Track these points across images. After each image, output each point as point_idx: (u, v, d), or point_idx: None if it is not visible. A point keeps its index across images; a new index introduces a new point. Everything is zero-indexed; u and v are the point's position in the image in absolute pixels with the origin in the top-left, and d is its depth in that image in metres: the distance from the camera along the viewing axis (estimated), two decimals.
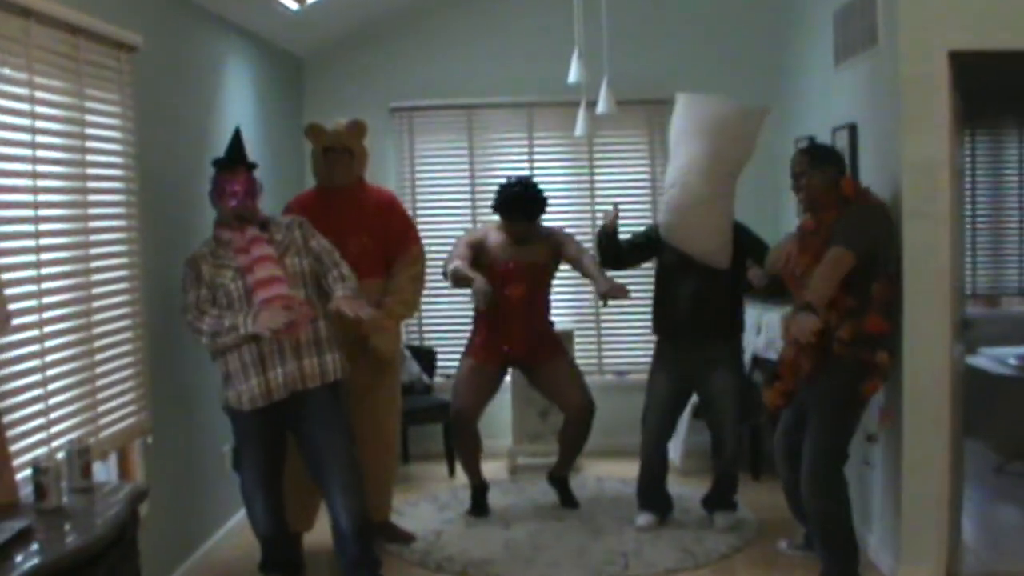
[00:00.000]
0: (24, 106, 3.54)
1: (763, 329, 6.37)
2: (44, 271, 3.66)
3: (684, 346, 5.44)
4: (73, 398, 3.86)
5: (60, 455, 3.48)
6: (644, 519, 5.56)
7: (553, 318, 6.02)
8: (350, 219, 5.10)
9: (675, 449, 6.48)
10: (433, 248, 7.02)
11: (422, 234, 7.06)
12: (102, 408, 4.06)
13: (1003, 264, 7.96)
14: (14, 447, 3.40)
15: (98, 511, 3.24)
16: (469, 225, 7.14)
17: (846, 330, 4.36)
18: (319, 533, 5.16)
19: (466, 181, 7.21)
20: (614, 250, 5.50)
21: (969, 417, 4.78)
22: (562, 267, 5.94)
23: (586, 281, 6.69)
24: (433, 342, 7.20)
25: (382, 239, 5.18)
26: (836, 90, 5.54)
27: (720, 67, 6.97)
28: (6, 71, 3.45)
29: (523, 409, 6.64)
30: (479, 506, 5.87)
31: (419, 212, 7.19)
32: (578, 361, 6.52)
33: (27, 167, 3.57)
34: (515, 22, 7.06)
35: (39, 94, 3.63)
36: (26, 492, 3.27)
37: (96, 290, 4.06)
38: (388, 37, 7.11)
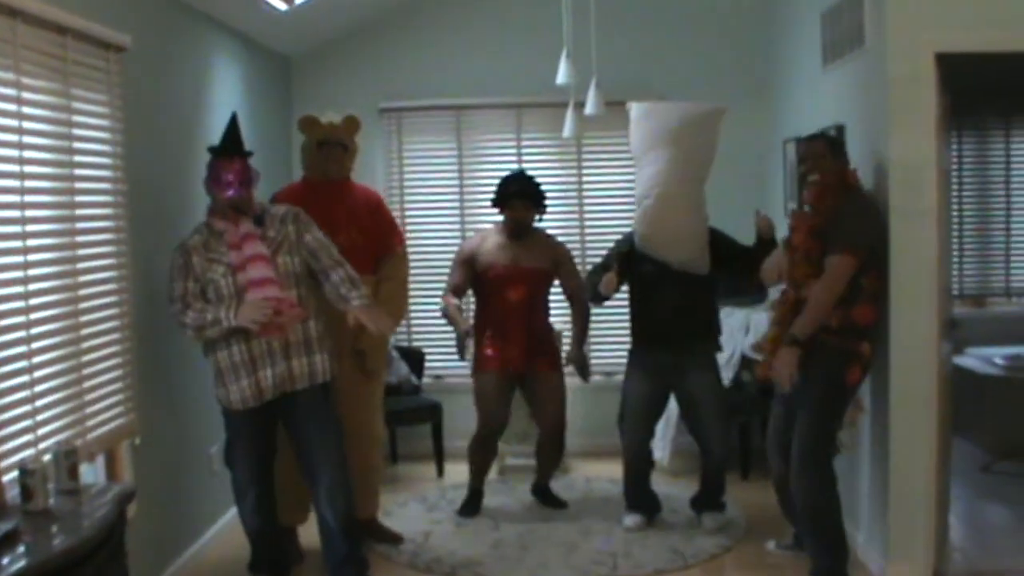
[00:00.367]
0: (12, 106, 3.52)
1: (752, 329, 6.39)
2: (31, 272, 3.65)
3: (662, 352, 5.44)
4: (60, 399, 3.84)
5: (47, 457, 3.47)
6: (632, 519, 5.57)
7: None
8: (340, 214, 5.08)
9: (662, 449, 6.49)
10: (421, 249, 7.08)
11: (410, 234, 7.15)
12: (89, 410, 4.04)
13: (990, 265, 7.98)
14: (1, 448, 3.39)
15: (85, 513, 3.23)
16: (457, 226, 7.15)
17: (834, 319, 4.39)
18: (311, 534, 5.15)
19: (454, 182, 7.21)
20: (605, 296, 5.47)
21: (956, 416, 4.80)
22: None
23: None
24: (422, 343, 7.19)
25: (372, 236, 5.17)
26: (824, 90, 5.56)
27: (708, 68, 6.99)
28: None
29: (513, 409, 6.63)
30: (471, 507, 5.88)
31: (407, 212, 7.19)
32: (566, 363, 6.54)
33: (15, 167, 3.55)
34: (504, 23, 7.06)
35: (26, 94, 3.61)
36: (13, 494, 3.26)
37: (84, 291, 4.04)
38: (377, 38, 7.11)
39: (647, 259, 5.38)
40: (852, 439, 4.89)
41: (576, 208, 7.21)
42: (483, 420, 5.79)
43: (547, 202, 5.91)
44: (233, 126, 4.56)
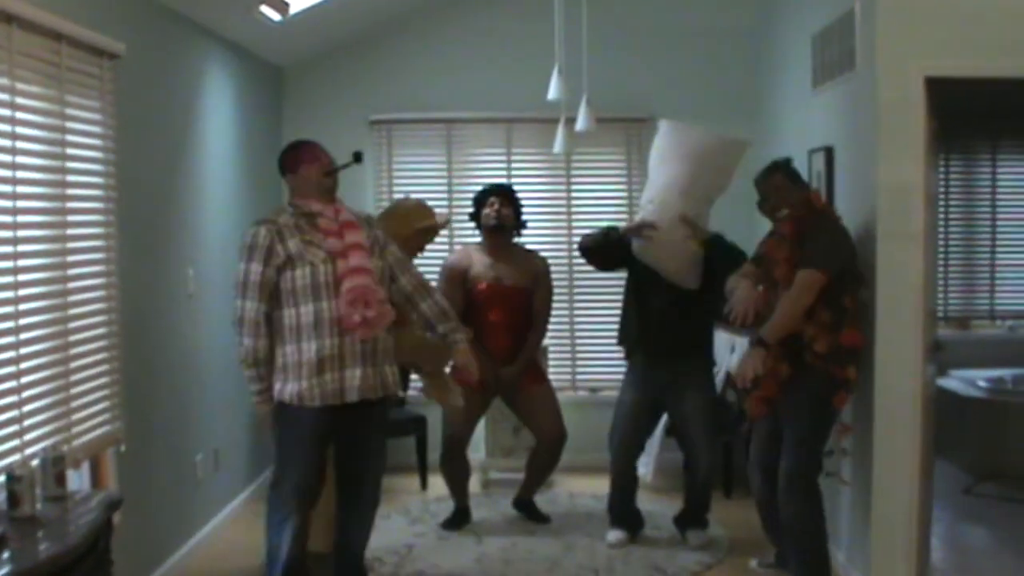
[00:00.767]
0: (5, 112, 3.53)
1: (737, 347, 6.41)
2: (21, 277, 3.64)
3: (654, 364, 5.45)
4: (47, 406, 3.83)
5: (34, 462, 3.46)
6: (615, 535, 5.58)
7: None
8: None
9: (646, 466, 6.49)
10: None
11: None
12: (76, 416, 4.04)
13: (974, 287, 8.03)
14: None
15: (72, 519, 3.23)
16: (445, 240, 7.14)
17: (821, 343, 4.43)
18: None
19: (443, 195, 7.22)
20: (616, 252, 5.44)
21: (939, 438, 4.83)
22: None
23: (562, 298, 6.74)
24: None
25: None
26: (813, 112, 5.60)
27: (699, 87, 7.03)
28: None
29: (497, 424, 6.65)
30: (455, 523, 5.88)
31: None
32: (552, 377, 6.53)
33: (7, 173, 3.56)
34: (496, 38, 7.08)
35: (20, 100, 3.61)
36: None
37: (72, 298, 4.04)
38: (369, 50, 7.12)
39: (643, 269, 5.40)
40: (838, 464, 4.87)
41: (565, 224, 7.23)
42: (444, 431, 5.83)
43: (527, 217, 5.95)
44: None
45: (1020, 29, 4.39)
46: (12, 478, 3.16)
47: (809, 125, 5.66)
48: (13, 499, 3.16)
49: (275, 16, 5.76)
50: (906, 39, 4.44)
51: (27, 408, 3.67)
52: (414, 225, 5.14)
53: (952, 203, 7.98)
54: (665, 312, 5.36)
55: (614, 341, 5.71)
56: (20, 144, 3.63)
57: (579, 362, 7.29)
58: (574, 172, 7.22)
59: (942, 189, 7.65)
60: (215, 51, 5.82)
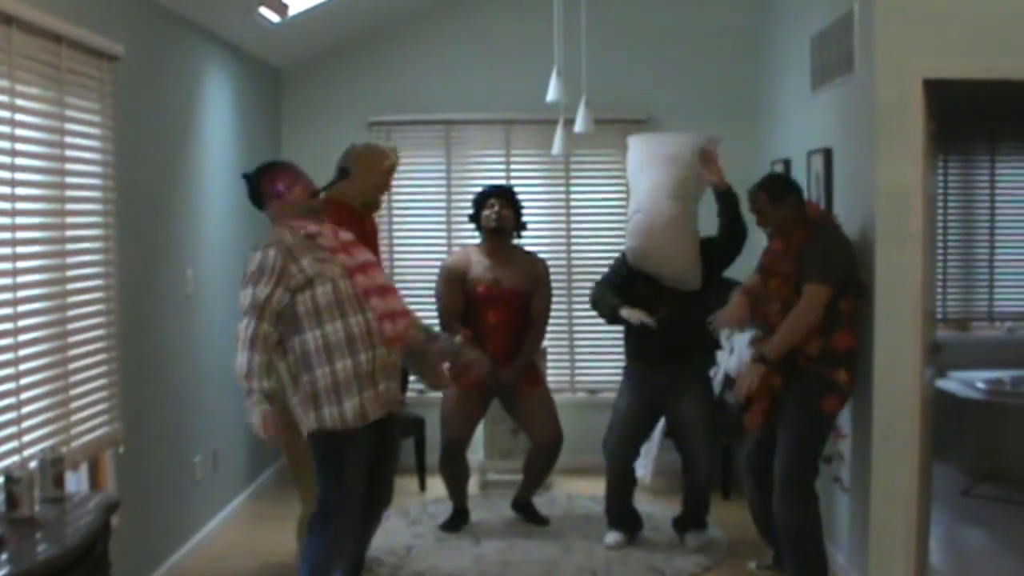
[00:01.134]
0: (5, 113, 3.53)
1: (735, 349, 6.41)
2: (20, 279, 3.65)
3: (654, 368, 5.45)
4: (46, 407, 3.84)
5: (33, 464, 3.46)
6: (613, 537, 5.58)
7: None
8: (372, 241, 5.01)
9: (645, 468, 6.49)
10: (407, 263, 7.09)
11: (397, 248, 7.17)
12: (75, 417, 4.04)
13: (973, 289, 8.04)
14: None
15: (70, 521, 3.23)
16: (444, 240, 7.16)
17: (813, 346, 4.43)
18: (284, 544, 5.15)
19: (442, 196, 7.22)
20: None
21: (937, 440, 4.83)
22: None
23: (561, 300, 6.74)
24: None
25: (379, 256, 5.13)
26: (812, 114, 5.60)
27: (698, 89, 7.04)
28: None
29: (495, 425, 6.65)
30: (454, 524, 5.88)
31: (395, 227, 7.21)
32: (550, 379, 6.55)
33: (6, 174, 3.56)
34: (495, 39, 7.09)
35: (20, 101, 3.62)
36: None
37: (71, 299, 4.04)
38: (368, 51, 7.13)
39: (641, 277, 5.40)
40: (841, 469, 4.87)
41: (563, 225, 7.24)
42: (443, 433, 5.84)
43: (527, 219, 5.95)
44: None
45: (1018, 31, 4.39)
46: (10, 479, 3.16)
47: (808, 127, 5.67)
48: (11, 501, 3.16)
49: (274, 18, 5.77)
50: (904, 41, 4.44)
51: (26, 409, 3.67)
52: (383, 165, 5.11)
53: (951, 205, 7.99)
54: (671, 321, 5.34)
55: (612, 343, 5.72)
56: (19, 146, 3.63)
57: (578, 364, 7.29)
58: (573, 174, 7.22)
59: (941, 191, 7.65)
60: (214, 53, 5.82)
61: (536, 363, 6.03)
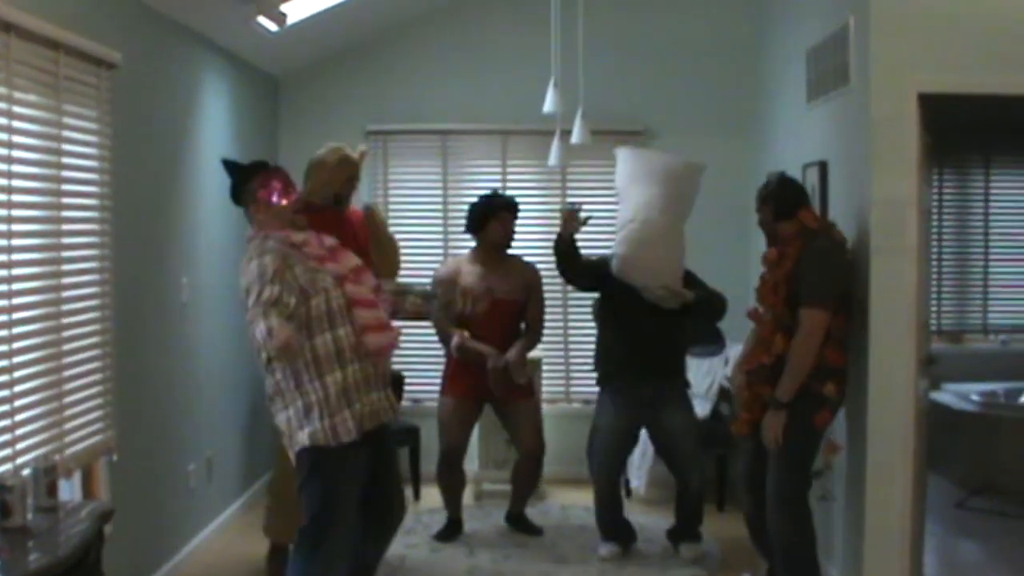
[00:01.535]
0: (2, 120, 3.53)
1: (730, 361, 6.42)
2: (15, 286, 3.65)
3: (636, 386, 5.45)
4: (40, 415, 3.83)
5: (26, 472, 3.45)
6: (607, 549, 5.57)
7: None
8: (348, 237, 5.05)
9: (639, 478, 6.50)
10: (403, 273, 7.06)
11: None
12: (68, 425, 4.03)
13: (967, 301, 8.05)
14: None
15: (63, 530, 3.22)
16: (440, 249, 7.16)
17: None
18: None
19: (439, 206, 7.23)
20: (570, 258, 5.46)
21: (931, 452, 4.84)
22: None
23: (556, 311, 6.73)
24: (401, 366, 7.18)
25: (365, 253, 5.15)
26: (807, 126, 5.61)
27: (694, 101, 7.06)
28: None
29: (490, 436, 6.64)
30: (448, 534, 5.88)
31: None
32: (545, 390, 6.54)
33: (3, 181, 3.56)
34: (492, 50, 7.10)
35: (17, 108, 3.62)
36: None
37: (66, 306, 4.04)
38: (365, 60, 7.14)
39: (621, 287, 5.39)
40: (829, 484, 4.87)
41: None
42: (441, 442, 5.83)
43: (522, 229, 5.99)
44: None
45: (1013, 46, 4.41)
46: (3, 488, 3.16)
47: (803, 139, 5.68)
48: (4, 509, 3.15)
49: (272, 26, 5.77)
50: (900, 55, 4.45)
51: (19, 417, 3.65)
52: (331, 160, 5.14)
53: (945, 217, 8.00)
54: (651, 334, 5.36)
55: None
56: (16, 153, 3.64)
57: (573, 374, 7.29)
58: (569, 185, 7.23)
59: (935, 203, 7.67)
60: (212, 61, 5.83)
61: (529, 374, 6.02)
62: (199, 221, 5.59)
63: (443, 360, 6.01)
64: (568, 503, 6.57)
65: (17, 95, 3.61)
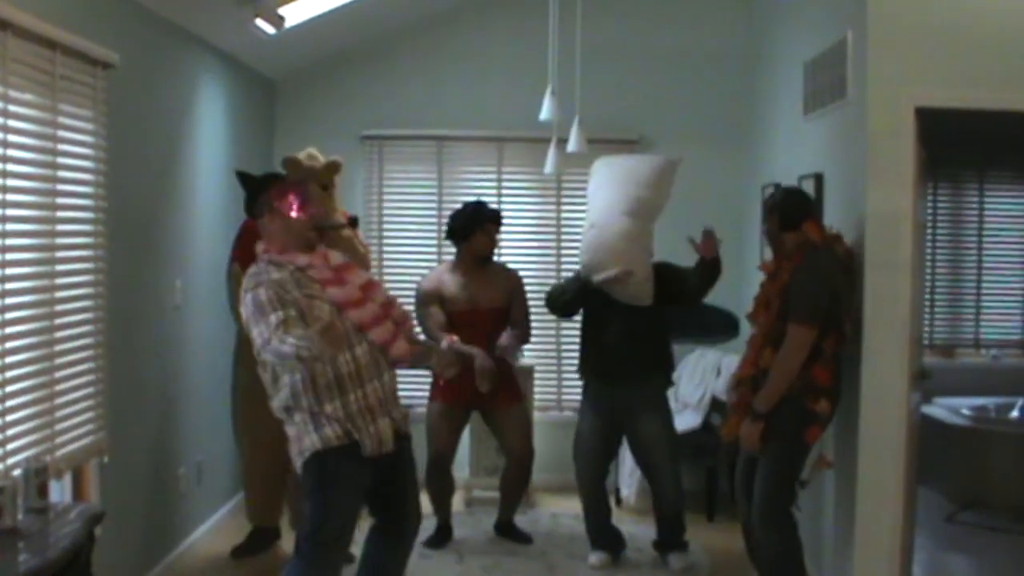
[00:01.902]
0: None
1: (723, 371, 6.42)
2: (8, 286, 3.63)
3: (612, 387, 5.45)
4: (31, 415, 3.81)
5: (16, 473, 3.44)
6: (596, 557, 5.56)
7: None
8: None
9: (629, 487, 6.50)
10: (397, 278, 7.08)
11: (387, 263, 7.16)
12: (60, 427, 4.01)
13: (960, 315, 8.06)
14: None
15: (53, 532, 3.21)
16: (434, 255, 7.15)
17: (796, 378, 4.42)
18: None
19: (433, 212, 7.22)
20: (574, 304, 5.54)
21: (921, 465, 4.84)
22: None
23: (548, 319, 6.70)
24: None
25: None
26: (804, 139, 5.62)
27: (690, 111, 7.07)
28: None
29: (480, 443, 6.64)
30: (437, 540, 5.86)
31: (385, 241, 7.20)
32: (537, 398, 6.53)
33: None
34: (489, 57, 7.11)
35: (12, 107, 3.61)
36: None
37: (59, 307, 4.02)
38: (362, 65, 7.14)
39: (594, 292, 5.39)
40: (812, 473, 4.87)
41: (554, 244, 7.23)
42: (429, 448, 5.81)
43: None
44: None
45: (1010, 62, 4.42)
46: None
47: (799, 151, 5.69)
48: None
49: (270, 29, 5.77)
50: (897, 69, 4.46)
51: (10, 418, 3.64)
52: (295, 173, 5.07)
53: (939, 231, 8.02)
54: (623, 334, 5.35)
55: None
56: (11, 152, 3.62)
57: (565, 383, 7.28)
58: (564, 193, 7.23)
59: (930, 217, 7.69)
60: (209, 62, 5.82)
61: (516, 379, 6.01)
62: (194, 224, 5.58)
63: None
64: (558, 511, 6.57)
65: (13, 94, 3.60)
